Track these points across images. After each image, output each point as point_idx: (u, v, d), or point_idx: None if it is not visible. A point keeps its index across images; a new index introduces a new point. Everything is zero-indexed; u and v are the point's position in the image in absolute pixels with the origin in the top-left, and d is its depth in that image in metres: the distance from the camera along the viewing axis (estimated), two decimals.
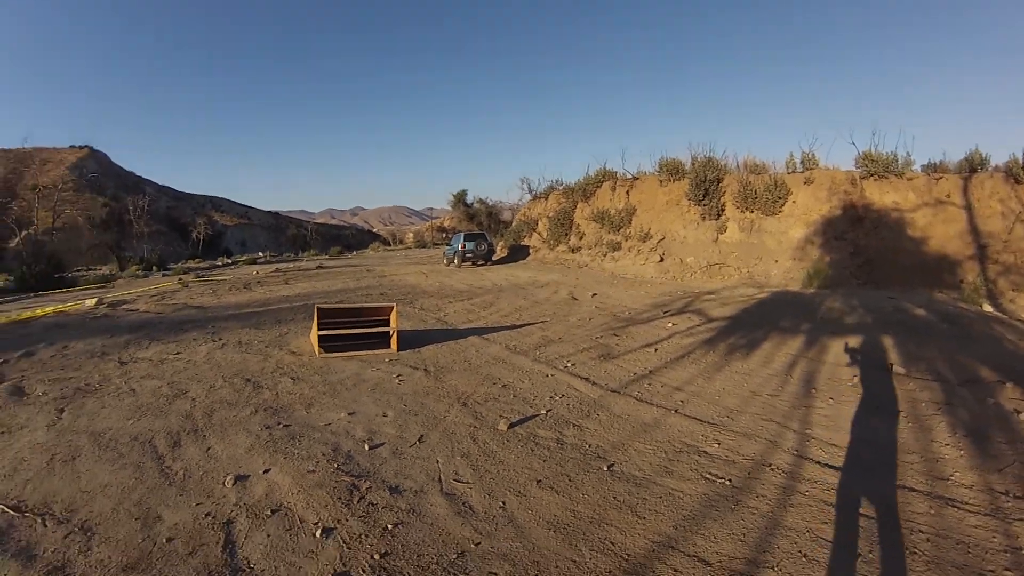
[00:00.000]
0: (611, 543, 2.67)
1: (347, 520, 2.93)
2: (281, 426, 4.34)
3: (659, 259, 16.11)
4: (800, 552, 2.60)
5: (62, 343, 7.26)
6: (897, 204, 12.92)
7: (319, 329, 6.65)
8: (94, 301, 10.93)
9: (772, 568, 2.49)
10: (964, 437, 3.98)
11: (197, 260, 30.95)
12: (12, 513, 3.05)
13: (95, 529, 2.92)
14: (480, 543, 2.69)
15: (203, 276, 19.28)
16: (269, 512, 3.01)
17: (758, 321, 8.39)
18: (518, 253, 23.06)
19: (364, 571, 2.48)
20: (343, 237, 56.31)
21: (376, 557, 2.58)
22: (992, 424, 4.23)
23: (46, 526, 2.95)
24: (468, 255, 20.55)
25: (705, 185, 15.97)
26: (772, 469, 3.49)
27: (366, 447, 3.93)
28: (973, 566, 2.51)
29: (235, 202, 58.37)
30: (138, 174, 51.80)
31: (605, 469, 3.54)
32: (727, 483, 3.29)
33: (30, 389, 5.31)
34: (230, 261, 29.73)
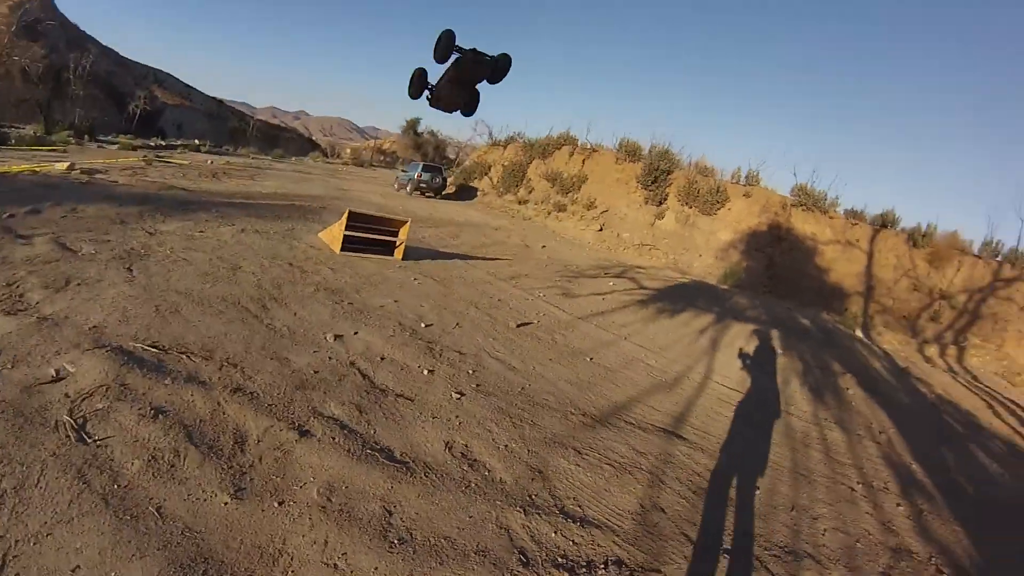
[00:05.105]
0: (604, 395, 4.49)
1: (440, 367, 4.08)
2: (345, 303, 5.00)
3: (599, 228, 17.70)
4: (707, 414, 4.60)
5: (68, 205, 6.80)
6: (814, 235, 15.25)
7: (347, 230, 7.23)
8: (65, 165, 10.65)
9: (694, 416, 4.45)
10: (808, 392, 6.15)
11: (131, 136, 27.37)
12: (156, 351, 3.23)
13: (242, 365, 3.25)
14: (530, 385, 4.30)
15: (162, 157, 18.27)
16: (379, 359, 3.91)
17: (680, 297, 10.48)
18: (464, 193, 23.33)
19: (471, 391, 3.81)
20: (282, 140, 51.88)
21: (473, 386, 3.91)
22: (829, 390, 6.46)
23: (194, 361, 3.18)
24: (422, 185, 20.86)
25: (656, 173, 17.47)
26: (689, 380, 5.52)
27: (422, 325, 4.91)
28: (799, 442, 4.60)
29: (178, 79, 52.00)
30: (81, 27, 44.90)
31: (589, 360, 5.34)
32: (664, 380, 5.27)
33: (74, 247, 5.02)
34: (163, 143, 26.79)
